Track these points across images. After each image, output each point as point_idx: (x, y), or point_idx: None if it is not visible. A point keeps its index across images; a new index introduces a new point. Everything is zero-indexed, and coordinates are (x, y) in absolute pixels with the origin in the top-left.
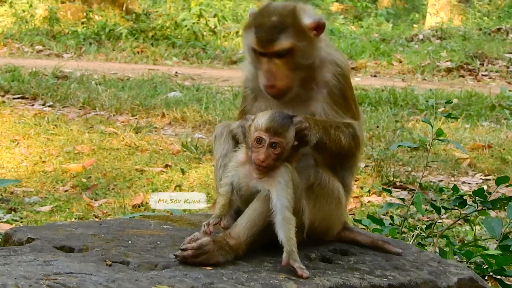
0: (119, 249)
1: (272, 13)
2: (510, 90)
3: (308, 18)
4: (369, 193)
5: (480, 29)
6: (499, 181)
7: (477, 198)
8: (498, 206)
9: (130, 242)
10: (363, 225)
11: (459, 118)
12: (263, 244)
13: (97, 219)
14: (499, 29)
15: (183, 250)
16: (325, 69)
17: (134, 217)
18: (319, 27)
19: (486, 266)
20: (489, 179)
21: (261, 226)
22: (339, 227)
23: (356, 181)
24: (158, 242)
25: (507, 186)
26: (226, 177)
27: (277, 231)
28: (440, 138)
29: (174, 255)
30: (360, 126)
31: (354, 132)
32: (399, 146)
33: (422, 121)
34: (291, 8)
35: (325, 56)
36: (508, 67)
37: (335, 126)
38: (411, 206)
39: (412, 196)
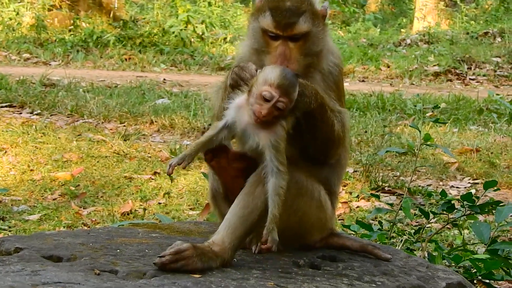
0: (107, 258)
1: None
2: (497, 94)
3: (318, 4)
4: (358, 198)
5: (468, 33)
6: (487, 185)
7: (465, 202)
8: (486, 210)
9: (118, 250)
10: (352, 230)
11: (447, 122)
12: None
13: (86, 227)
14: (486, 33)
15: (161, 257)
16: (325, 57)
17: (122, 225)
18: (325, 15)
19: (475, 270)
20: (478, 183)
21: (245, 228)
22: (322, 232)
23: (344, 186)
24: (146, 250)
25: (495, 190)
26: (222, 118)
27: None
28: (428, 143)
29: (154, 263)
30: (349, 117)
31: (344, 120)
32: (387, 151)
33: (410, 126)
34: None
35: (328, 45)
36: (495, 71)
37: (331, 108)
38: (400, 211)
39: (401, 201)
